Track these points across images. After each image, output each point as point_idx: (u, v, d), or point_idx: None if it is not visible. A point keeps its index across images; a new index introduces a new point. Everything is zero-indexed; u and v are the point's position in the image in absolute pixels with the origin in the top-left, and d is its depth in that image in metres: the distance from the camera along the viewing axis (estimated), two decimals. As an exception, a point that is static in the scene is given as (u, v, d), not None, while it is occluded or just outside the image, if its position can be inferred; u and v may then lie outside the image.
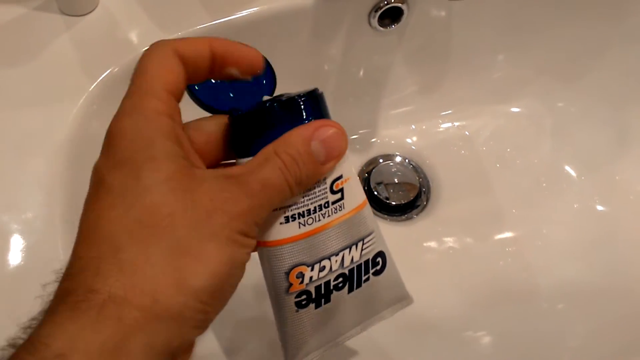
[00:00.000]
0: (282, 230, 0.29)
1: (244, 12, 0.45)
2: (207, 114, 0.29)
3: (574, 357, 0.48)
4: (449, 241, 0.53)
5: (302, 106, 0.28)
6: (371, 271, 0.32)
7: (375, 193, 0.54)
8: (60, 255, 0.35)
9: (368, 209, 0.32)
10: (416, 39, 0.52)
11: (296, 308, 0.30)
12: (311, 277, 0.30)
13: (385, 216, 0.54)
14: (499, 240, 0.54)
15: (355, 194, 0.31)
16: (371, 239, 0.32)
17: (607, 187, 0.55)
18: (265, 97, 0.31)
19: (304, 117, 0.28)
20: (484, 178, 0.56)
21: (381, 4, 0.48)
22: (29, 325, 0.24)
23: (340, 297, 0.31)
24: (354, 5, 0.48)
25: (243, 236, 0.25)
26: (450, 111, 0.59)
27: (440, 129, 0.59)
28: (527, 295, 0.51)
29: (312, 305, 0.31)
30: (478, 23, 0.53)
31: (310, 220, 0.29)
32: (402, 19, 0.50)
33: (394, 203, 0.54)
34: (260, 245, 0.29)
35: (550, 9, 0.53)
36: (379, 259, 0.33)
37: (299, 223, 0.29)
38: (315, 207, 0.29)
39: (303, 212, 0.29)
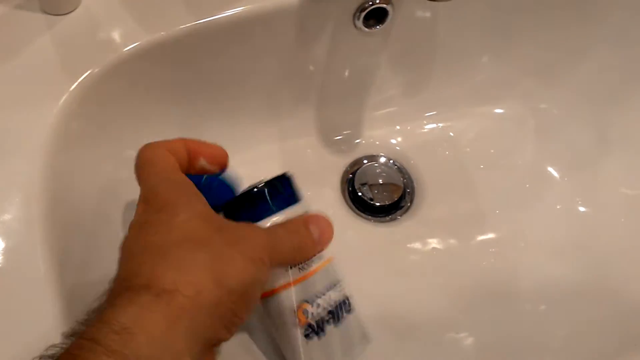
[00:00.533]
0: (287, 275, 0.37)
1: (228, 12, 0.45)
2: None
3: (557, 358, 0.49)
4: (433, 242, 0.53)
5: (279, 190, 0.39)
6: (344, 310, 0.41)
7: (360, 194, 0.54)
8: (38, 257, 0.34)
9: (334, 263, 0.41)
10: (401, 40, 0.53)
11: (306, 340, 0.39)
12: (312, 313, 0.39)
13: (370, 217, 0.55)
14: (482, 241, 0.54)
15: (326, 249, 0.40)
16: (342, 284, 0.42)
17: (589, 188, 0.56)
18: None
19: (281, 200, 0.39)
20: (467, 179, 0.57)
21: (366, 5, 0.48)
22: (86, 318, 0.29)
23: (331, 329, 0.40)
24: (339, 6, 0.48)
25: (261, 262, 0.31)
26: (434, 112, 0.59)
27: (425, 130, 0.59)
28: (510, 296, 0.51)
29: (315, 337, 0.39)
30: (462, 25, 0.54)
31: (305, 266, 0.38)
32: (387, 20, 0.50)
33: (378, 204, 0.54)
34: (268, 295, 0.38)
35: (532, 11, 0.54)
36: (348, 301, 0.42)
37: (299, 268, 0.38)
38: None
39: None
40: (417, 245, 0.53)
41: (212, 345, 0.30)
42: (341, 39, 0.50)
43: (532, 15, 0.54)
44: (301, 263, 0.37)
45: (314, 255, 0.36)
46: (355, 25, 0.49)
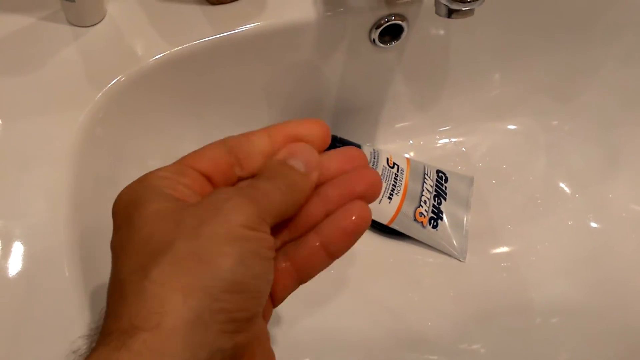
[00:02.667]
0: (394, 203, 0.51)
1: (247, 26, 0.46)
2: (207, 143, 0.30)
3: (567, 372, 0.49)
4: (445, 255, 0.54)
5: None
6: (443, 183, 0.55)
7: (373, 206, 0.55)
8: (63, 262, 0.35)
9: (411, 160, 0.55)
10: (415, 56, 0.53)
11: (435, 230, 0.53)
12: (426, 210, 0.53)
13: (382, 230, 0.55)
14: (494, 255, 0.54)
15: (401, 158, 0.55)
16: (426, 165, 0.55)
17: (600, 205, 0.56)
18: None
19: None
20: (479, 193, 0.57)
21: (382, 21, 0.49)
22: None
23: (445, 207, 0.54)
24: (356, 22, 0.49)
25: (250, 231, 0.24)
26: (447, 127, 0.60)
27: (438, 145, 0.60)
28: (521, 310, 0.51)
29: (439, 221, 0.53)
30: (475, 42, 0.54)
31: (397, 186, 0.52)
32: (402, 37, 0.50)
33: (391, 217, 0.55)
34: (390, 224, 0.52)
35: (544, 31, 0.55)
36: (441, 173, 0.56)
37: (395, 193, 0.52)
38: (393, 182, 0.52)
39: (391, 190, 0.52)
40: (429, 258, 0.54)
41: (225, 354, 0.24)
42: (356, 54, 0.51)
43: (544, 34, 0.55)
44: (301, 203, 0.29)
45: (312, 187, 0.28)
46: (370, 41, 0.50)
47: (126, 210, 0.25)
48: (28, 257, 0.35)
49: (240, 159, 0.27)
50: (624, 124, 0.57)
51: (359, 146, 0.53)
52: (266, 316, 0.30)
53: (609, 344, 0.49)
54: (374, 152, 0.53)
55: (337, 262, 0.54)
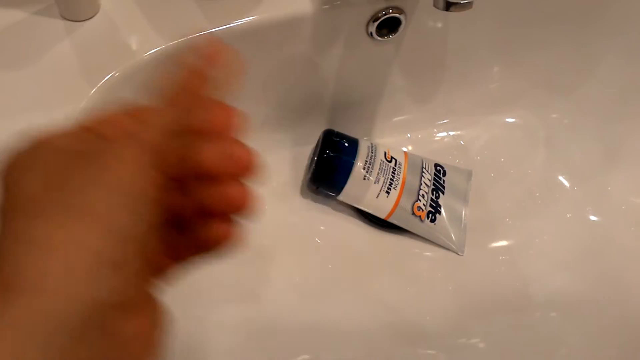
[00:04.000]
0: (392, 197, 0.52)
1: (244, 20, 0.45)
2: None
3: (566, 366, 0.49)
4: (443, 249, 0.54)
5: None
6: (441, 177, 0.55)
7: (371, 201, 0.55)
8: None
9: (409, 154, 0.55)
10: (413, 49, 0.53)
11: (434, 224, 0.53)
12: (424, 204, 0.53)
13: (380, 224, 0.55)
14: (492, 248, 0.54)
15: (399, 152, 0.54)
16: (424, 159, 0.55)
17: (599, 198, 0.56)
18: None
19: None
20: (478, 187, 0.57)
21: (379, 14, 0.48)
22: None
23: (444, 200, 0.54)
24: (353, 15, 0.48)
25: (135, 170, 0.22)
26: (445, 120, 0.60)
27: (436, 138, 0.59)
28: (520, 304, 0.51)
29: (437, 215, 0.53)
30: (474, 35, 0.54)
31: (394, 181, 0.52)
32: (399, 30, 0.50)
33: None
34: (388, 217, 0.52)
35: (545, 23, 0.54)
36: (439, 166, 0.56)
37: (393, 188, 0.52)
38: (391, 176, 0.52)
39: (389, 184, 0.52)
40: (427, 252, 0.54)
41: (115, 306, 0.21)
42: (354, 47, 0.51)
43: (543, 27, 0.54)
44: (199, 113, 0.24)
45: (205, 85, 0.25)
46: (368, 34, 0.50)
47: (15, 170, 0.23)
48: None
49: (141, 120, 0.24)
50: (623, 117, 0.56)
51: (356, 141, 0.53)
52: (157, 270, 0.26)
53: (609, 336, 0.50)
54: (372, 146, 0.53)
55: (335, 255, 0.54)
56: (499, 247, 0.54)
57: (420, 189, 0.53)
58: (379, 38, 0.50)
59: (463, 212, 0.55)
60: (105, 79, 0.41)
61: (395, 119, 0.58)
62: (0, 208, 0.23)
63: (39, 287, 0.20)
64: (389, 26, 0.50)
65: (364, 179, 0.51)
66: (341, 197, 0.52)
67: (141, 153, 0.23)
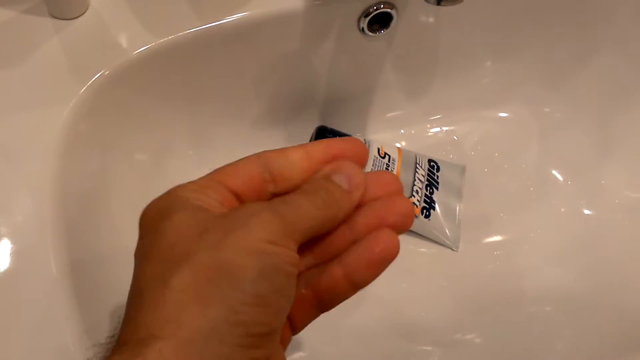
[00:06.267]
0: None
1: (234, 17, 0.45)
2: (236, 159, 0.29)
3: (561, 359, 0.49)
4: (438, 245, 0.54)
5: None
6: (434, 172, 0.55)
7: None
8: (50, 259, 0.34)
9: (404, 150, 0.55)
10: (405, 44, 0.53)
11: (428, 219, 0.53)
12: (418, 200, 0.52)
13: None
14: (487, 243, 0.54)
15: (392, 148, 0.54)
16: (418, 155, 0.55)
17: (593, 191, 0.56)
18: None
19: None
20: (472, 182, 0.57)
21: (370, 10, 0.48)
22: None
23: (438, 196, 0.54)
24: (344, 11, 0.48)
25: (274, 247, 0.24)
26: (438, 116, 0.60)
27: (429, 134, 0.59)
28: (515, 298, 0.51)
29: (432, 210, 0.53)
30: (466, 29, 0.54)
31: None
32: (391, 25, 0.50)
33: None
34: None
35: (535, 16, 0.54)
36: (432, 162, 0.55)
37: None
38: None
39: None
40: (422, 247, 0.54)
41: None
42: (345, 43, 0.51)
43: (535, 20, 0.54)
44: (337, 221, 0.28)
45: (353, 206, 0.28)
46: (359, 30, 0.50)
47: (152, 220, 0.25)
48: (13, 255, 0.34)
49: (274, 175, 0.27)
50: (616, 111, 0.56)
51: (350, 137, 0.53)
52: (284, 341, 0.28)
53: (604, 329, 0.49)
54: (365, 142, 0.53)
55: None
56: (493, 242, 0.54)
57: (415, 184, 0.53)
58: (370, 34, 0.50)
59: (457, 208, 0.54)
60: (95, 77, 0.41)
61: (388, 114, 0.58)
62: (136, 252, 0.25)
63: (178, 336, 0.22)
64: (380, 21, 0.50)
65: None
66: None
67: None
